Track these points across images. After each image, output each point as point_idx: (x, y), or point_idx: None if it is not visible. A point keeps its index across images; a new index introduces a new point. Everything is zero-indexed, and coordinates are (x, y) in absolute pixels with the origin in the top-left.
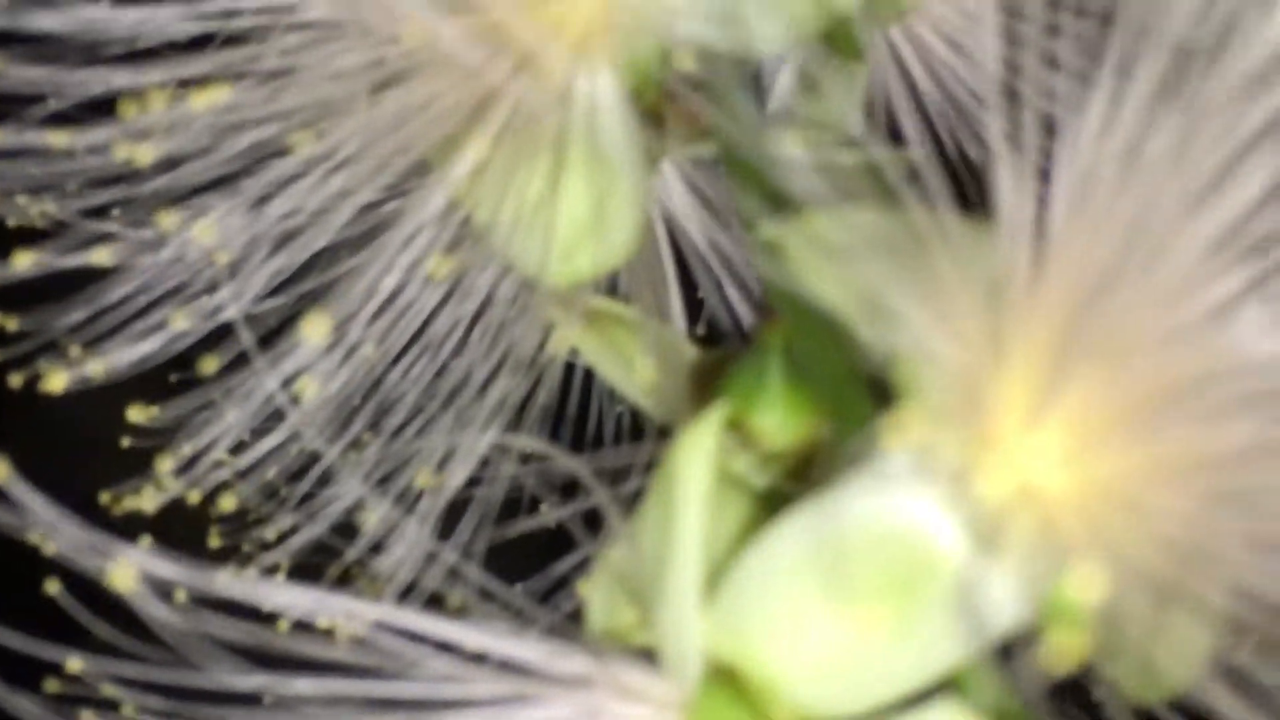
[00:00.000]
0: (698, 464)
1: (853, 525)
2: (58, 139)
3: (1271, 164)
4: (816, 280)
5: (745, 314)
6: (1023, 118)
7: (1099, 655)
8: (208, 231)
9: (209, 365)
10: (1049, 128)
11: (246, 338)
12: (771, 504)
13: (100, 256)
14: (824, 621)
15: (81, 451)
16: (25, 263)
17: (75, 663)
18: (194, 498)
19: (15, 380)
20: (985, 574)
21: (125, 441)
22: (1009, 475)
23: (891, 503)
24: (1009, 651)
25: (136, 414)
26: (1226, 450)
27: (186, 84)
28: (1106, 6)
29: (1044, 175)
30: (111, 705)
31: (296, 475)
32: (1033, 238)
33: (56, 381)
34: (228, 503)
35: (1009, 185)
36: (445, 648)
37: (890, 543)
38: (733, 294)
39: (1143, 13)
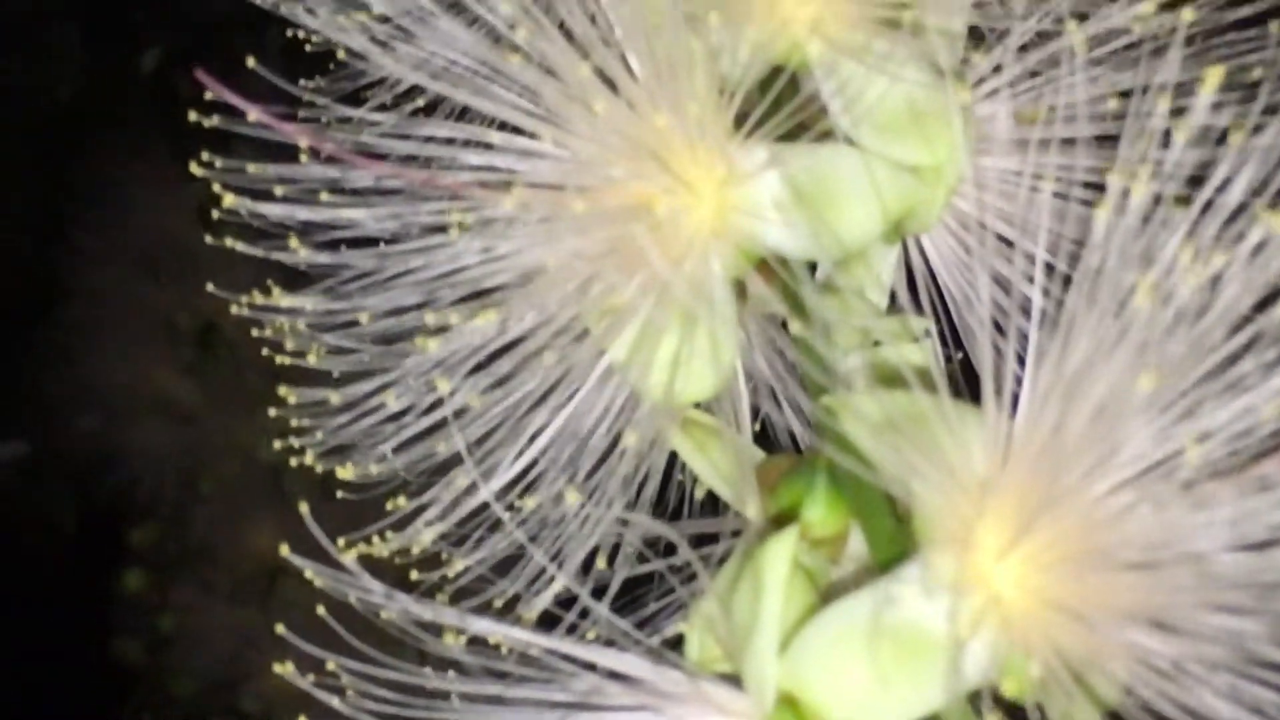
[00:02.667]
0: (780, 562)
1: (880, 613)
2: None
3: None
4: (857, 438)
5: (798, 429)
6: (1008, 328)
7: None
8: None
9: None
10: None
11: (460, 442)
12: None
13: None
14: (858, 673)
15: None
16: (335, 399)
17: (331, 662)
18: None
19: (318, 468)
20: (964, 649)
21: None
22: (984, 589)
23: (906, 601)
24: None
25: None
26: (1124, 590)
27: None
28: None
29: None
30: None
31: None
32: (1007, 427)
33: (347, 473)
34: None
35: (991, 386)
36: (582, 664)
37: (904, 626)
38: (789, 414)
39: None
